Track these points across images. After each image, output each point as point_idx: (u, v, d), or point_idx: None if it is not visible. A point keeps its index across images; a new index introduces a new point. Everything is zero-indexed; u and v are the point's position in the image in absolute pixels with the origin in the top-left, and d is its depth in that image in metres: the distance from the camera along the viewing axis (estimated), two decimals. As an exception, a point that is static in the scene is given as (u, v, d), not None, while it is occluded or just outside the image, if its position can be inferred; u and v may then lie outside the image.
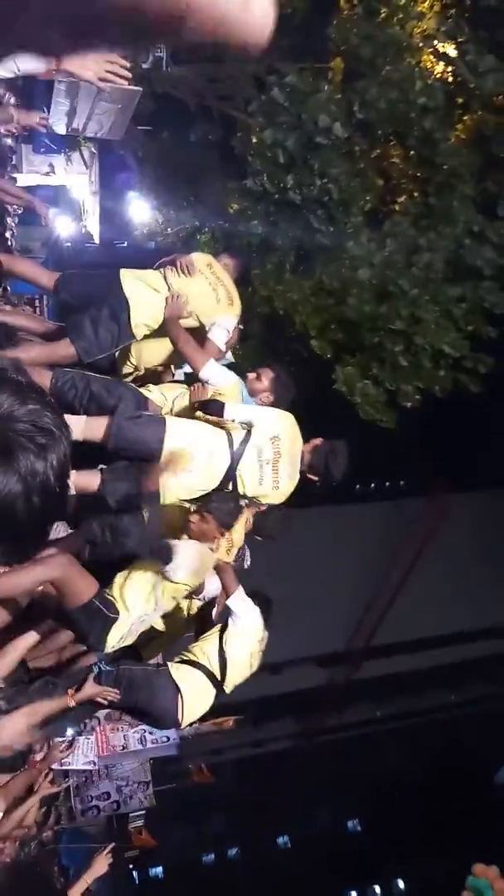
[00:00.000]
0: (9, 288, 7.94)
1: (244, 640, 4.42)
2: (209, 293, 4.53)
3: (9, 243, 8.36)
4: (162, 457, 3.89)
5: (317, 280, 9.95)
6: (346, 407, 10.27)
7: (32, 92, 10.88)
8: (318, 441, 4.34)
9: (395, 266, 9.93)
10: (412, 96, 10.66)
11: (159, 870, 17.48)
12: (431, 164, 10.89)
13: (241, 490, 4.11)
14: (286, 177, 9.91)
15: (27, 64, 2.56)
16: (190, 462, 3.96)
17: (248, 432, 4.08)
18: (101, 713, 9.92)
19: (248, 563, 5.21)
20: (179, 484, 3.97)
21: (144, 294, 4.32)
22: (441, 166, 10.76)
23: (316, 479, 4.33)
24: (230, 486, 4.07)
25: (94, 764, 9.14)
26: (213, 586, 4.43)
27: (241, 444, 4.05)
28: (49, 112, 10.40)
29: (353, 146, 10.68)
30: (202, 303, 4.49)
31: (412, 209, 10.76)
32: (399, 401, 9.99)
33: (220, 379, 4.35)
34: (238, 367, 4.93)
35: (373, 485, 19.52)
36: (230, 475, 4.03)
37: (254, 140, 10.35)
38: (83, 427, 3.83)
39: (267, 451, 4.08)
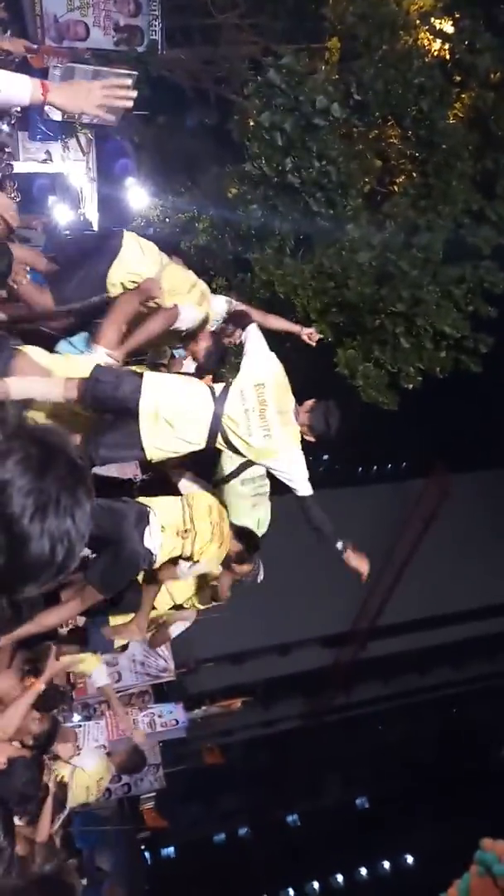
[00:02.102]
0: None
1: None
2: (188, 282, 4.62)
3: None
4: (141, 409, 3.80)
5: (317, 263, 9.92)
6: (347, 390, 10.28)
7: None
8: (311, 401, 4.31)
9: (394, 247, 9.89)
10: (409, 76, 10.57)
11: (171, 850, 17.71)
12: (429, 143, 10.82)
13: (234, 445, 4.00)
14: (284, 160, 9.84)
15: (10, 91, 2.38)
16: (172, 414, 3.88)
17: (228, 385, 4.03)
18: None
19: (262, 577, 5.21)
20: (165, 439, 3.89)
21: (135, 256, 4.36)
22: (439, 146, 10.69)
23: (313, 439, 4.31)
24: (219, 441, 3.98)
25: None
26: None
27: (222, 392, 3.98)
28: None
29: (351, 127, 10.61)
30: (178, 286, 4.54)
31: (411, 190, 10.70)
32: (401, 382, 10.00)
33: (189, 315, 4.46)
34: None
35: (375, 467, 19.57)
36: (216, 426, 3.91)
37: (251, 123, 10.28)
38: (61, 386, 3.75)
39: (251, 398, 3.99)
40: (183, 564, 4.18)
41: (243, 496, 4.77)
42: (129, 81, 2.62)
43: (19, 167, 9.85)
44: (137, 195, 10.51)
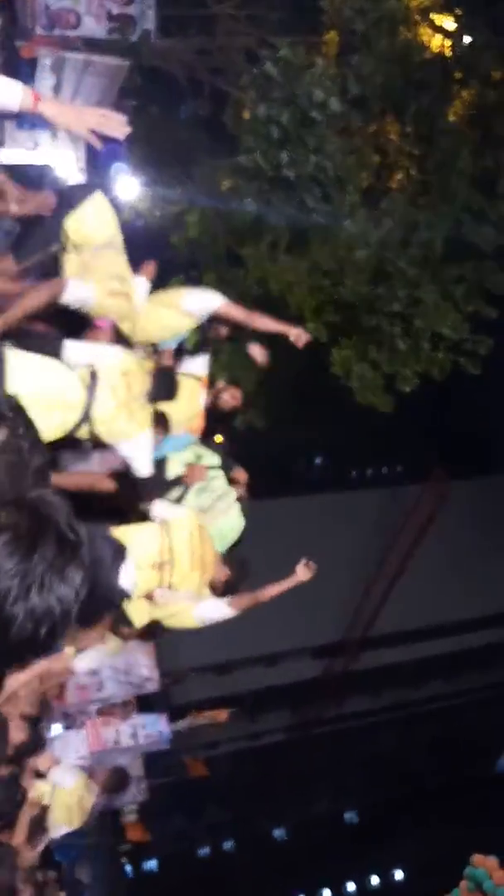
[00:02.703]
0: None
1: None
2: (115, 274, 4.46)
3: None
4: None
5: (312, 260, 9.67)
6: (341, 391, 10.03)
7: (17, 67, 10.55)
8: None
9: (392, 246, 9.68)
10: (409, 71, 10.39)
11: (153, 863, 17.37)
12: (429, 140, 10.62)
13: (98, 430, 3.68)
14: (280, 154, 9.59)
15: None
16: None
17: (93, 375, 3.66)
18: (92, 708, 9.72)
19: None
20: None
21: (93, 215, 4.39)
22: (439, 143, 10.49)
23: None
24: (84, 429, 3.65)
25: (86, 759, 8.95)
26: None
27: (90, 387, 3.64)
28: (34, 87, 10.07)
29: (349, 122, 10.36)
30: (104, 268, 4.39)
31: (410, 187, 10.50)
32: (397, 385, 9.74)
33: (76, 292, 4.24)
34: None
35: (370, 471, 19.30)
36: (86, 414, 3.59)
37: (246, 116, 10.03)
38: None
39: (120, 390, 3.70)
40: (158, 592, 4.01)
41: (202, 509, 4.53)
42: (124, 118, 2.47)
43: (6, 156, 9.54)
44: (127, 186, 10.22)
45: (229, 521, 4.76)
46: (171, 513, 4.22)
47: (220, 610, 4.52)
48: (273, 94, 9.83)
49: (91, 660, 5.63)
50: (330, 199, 9.77)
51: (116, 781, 6.54)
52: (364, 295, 9.55)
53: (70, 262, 4.38)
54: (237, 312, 4.89)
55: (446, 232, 9.91)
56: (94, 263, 4.36)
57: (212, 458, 4.62)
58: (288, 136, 9.73)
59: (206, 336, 5.11)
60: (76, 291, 4.27)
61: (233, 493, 4.71)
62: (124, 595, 3.85)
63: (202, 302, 4.82)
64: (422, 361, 9.80)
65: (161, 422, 4.13)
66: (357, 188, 10.15)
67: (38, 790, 5.56)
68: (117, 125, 2.30)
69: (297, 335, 5.02)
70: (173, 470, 4.44)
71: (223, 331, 5.07)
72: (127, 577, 3.81)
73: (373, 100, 10.34)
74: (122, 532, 3.98)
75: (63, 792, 5.81)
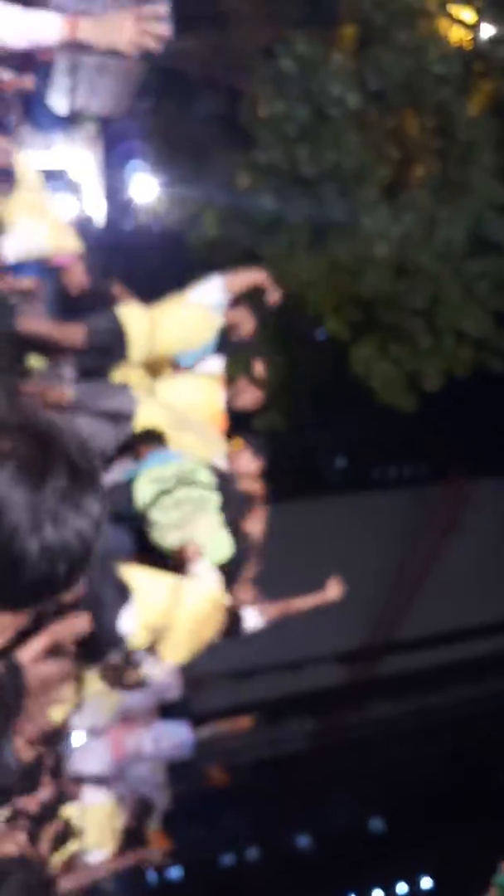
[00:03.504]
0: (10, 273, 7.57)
1: None
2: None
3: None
4: None
5: (331, 258, 9.54)
6: (363, 390, 9.88)
7: (33, 70, 10.54)
8: None
9: (412, 242, 9.55)
10: (428, 64, 10.23)
11: (177, 871, 17.27)
12: (449, 134, 10.45)
13: None
14: (297, 150, 9.51)
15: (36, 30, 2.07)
16: None
17: None
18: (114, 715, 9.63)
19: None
20: None
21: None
22: (459, 136, 10.32)
23: None
24: None
25: (108, 768, 8.85)
26: None
27: None
28: (50, 88, 10.05)
29: (367, 117, 10.23)
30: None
31: (430, 182, 10.32)
32: (419, 383, 9.57)
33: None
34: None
35: (392, 471, 19.06)
36: None
37: (263, 113, 9.93)
38: None
39: None
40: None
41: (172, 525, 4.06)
42: (163, 10, 2.27)
43: (23, 158, 9.49)
44: (144, 187, 10.18)
45: (211, 542, 4.22)
46: (206, 576, 3.75)
47: (250, 621, 4.38)
48: (290, 90, 9.74)
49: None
50: (348, 196, 9.66)
51: (142, 810, 6.43)
52: (385, 292, 9.42)
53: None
54: (241, 278, 4.88)
55: (468, 227, 9.75)
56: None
57: (202, 474, 4.05)
58: (305, 132, 9.64)
59: (227, 339, 5.01)
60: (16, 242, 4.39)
61: (210, 509, 4.09)
62: (123, 641, 3.47)
63: (208, 285, 4.72)
64: (445, 359, 9.64)
65: (149, 438, 4.05)
66: (376, 184, 10.01)
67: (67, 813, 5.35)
68: (156, 28, 2.09)
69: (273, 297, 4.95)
70: (143, 490, 3.89)
71: (246, 328, 4.96)
72: (128, 622, 3.42)
73: (391, 94, 10.21)
74: (130, 574, 3.57)
75: (95, 809, 5.70)
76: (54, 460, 0.90)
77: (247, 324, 4.91)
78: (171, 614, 3.58)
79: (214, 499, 3.99)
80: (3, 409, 0.95)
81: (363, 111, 10.01)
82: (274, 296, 4.89)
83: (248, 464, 4.61)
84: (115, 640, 3.42)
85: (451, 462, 14.87)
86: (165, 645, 3.60)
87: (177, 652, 3.70)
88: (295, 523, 14.54)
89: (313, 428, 13.22)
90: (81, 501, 0.91)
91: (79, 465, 0.92)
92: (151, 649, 3.66)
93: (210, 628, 3.83)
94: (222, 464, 4.52)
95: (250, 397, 4.94)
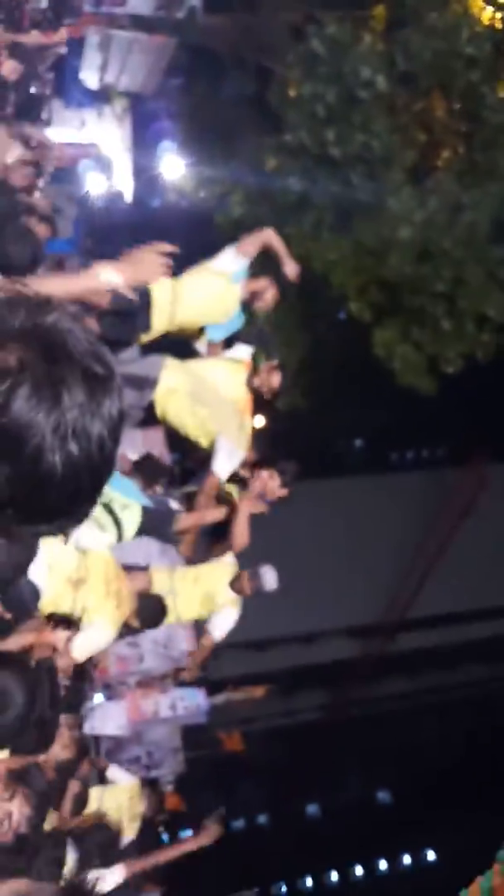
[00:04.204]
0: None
1: None
2: None
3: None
4: None
5: (356, 239, 9.61)
6: (384, 372, 9.98)
7: (66, 46, 10.61)
8: None
9: (437, 225, 9.56)
10: (458, 46, 10.17)
11: (189, 833, 17.77)
12: (477, 117, 10.42)
13: None
14: (325, 132, 9.55)
15: None
16: None
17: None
18: (132, 679, 9.94)
19: (272, 584, 5.22)
20: None
21: None
22: (487, 120, 10.29)
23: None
24: None
25: (125, 729, 9.16)
26: None
27: None
28: (81, 65, 10.15)
29: (396, 99, 10.23)
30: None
31: (456, 165, 10.33)
32: (440, 366, 9.65)
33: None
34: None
35: (410, 454, 19.15)
36: None
37: (292, 94, 9.96)
38: None
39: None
40: (60, 634, 3.56)
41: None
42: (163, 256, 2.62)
43: (53, 134, 9.63)
44: (172, 166, 10.26)
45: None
46: (91, 542, 3.74)
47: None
48: (319, 71, 9.75)
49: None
50: (375, 178, 9.69)
51: (156, 801, 6.64)
52: (408, 275, 9.47)
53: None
54: (253, 240, 4.83)
55: (493, 212, 9.74)
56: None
57: (130, 514, 3.94)
58: (333, 114, 9.66)
59: (253, 319, 5.10)
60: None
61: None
62: (34, 592, 3.33)
63: (225, 255, 4.76)
64: (466, 343, 9.70)
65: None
66: (403, 167, 10.03)
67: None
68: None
69: (293, 271, 4.93)
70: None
71: (268, 298, 4.95)
72: (38, 571, 3.28)
73: (420, 76, 10.18)
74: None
75: (116, 789, 5.76)
76: (67, 370, 0.85)
77: (268, 293, 4.91)
78: (84, 568, 3.57)
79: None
80: (6, 318, 0.88)
81: (392, 93, 10.01)
82: (290, 268, 4.91)
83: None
84: (29, 592, 3.29)
85: (469, 446, 14.94)
86: (90, 599, 3.55)
87: (101, 607, 3.61)
88: (314, 502, 14.73)
89: (334, 409, 13.31)
90: (100, 408, 0.87)
91: (92, 369, 0.87)
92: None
93: (123, 587, 3.82)
94: (240, 446, 4.65)
95: (272, 379, 4.94)
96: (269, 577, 5.16)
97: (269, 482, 4.56)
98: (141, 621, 4.28)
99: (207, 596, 5.16)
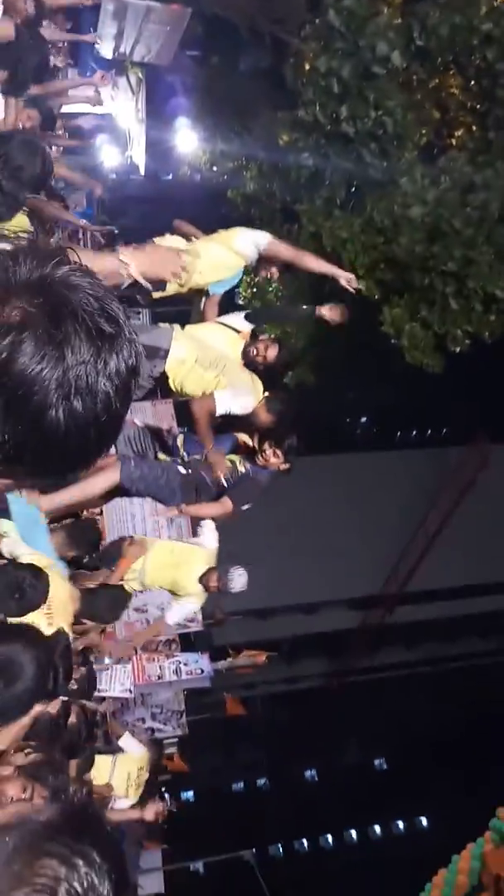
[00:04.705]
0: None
1: None
2: None
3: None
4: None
5: (367, 217, 9.63)
6: (391, 350, 10.05)
7: (80, 14, 10.55)
8: None
9: (448, 204, 9.56)
10: (476, 22, 10.10)
11: (190, 794, 18.20)
12: (492, 96, 10.37)
13: None
14: (340, 107, 9.52)
15: None
16: None
17: None
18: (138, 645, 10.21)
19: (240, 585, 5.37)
20: None
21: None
22: (502, 99, 10.24)
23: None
24: None
25: (130, 692, 9.42)
26: None
27: None
28: (96, 35, 10.07)
29: (411, 76, 10.18)
30: None
31: (469, 144, 10.31)
32: (448, 345, 9.73)
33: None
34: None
35: (414, 432, 19.29)
36: None
37: (307, 68, 9.92)
38: None
39: None
40: None
41: None
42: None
43: (68, 105, 9.63)
44: (186, 139, 10.24)
45: None
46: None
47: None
48: (335, 45, 9.70)
49: None
50: (388, 155, 9.69)
51: (157, 753, 6.84)
52: (418, 253, 9.49)
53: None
54: (286, 250, 4.84)
55: (504, 192, 9.73)
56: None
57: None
58: (348, 89, 9.63)
59: (257, 282, 5.07)
60: None
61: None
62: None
63: (252, 240, 4.80)
64: (473, 322, 9.76)
65: None
66: (415, 145, 10.04)
67: (97, 769, 5.45)
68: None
69: (349, 279, 4.88)
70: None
71: (273, 271, 5.05)
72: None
73: (436, 52, 10.12)
74: None
75: (128, 759, 5.91)
76: (72, 327, 0.84)
77: (274, 264, 4.94)
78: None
79: None
80: (11, 271, 0.86)
81: (407, 69, 9.97)
82: (345, 279, 4.88)
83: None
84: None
85: (473, 425, 15.04)
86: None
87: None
88: (319, 477, 14.92)
89: (341, 386, 13.38)
90: (106, 366, 0.86)
91: (99, 326, 0.85)
92: None
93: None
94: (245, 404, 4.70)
95: (265, 351, 4.86)
96: (239, 581, 5.30)
97: (272, 458, 4.60)
98: (76, 546, 4.53)
99: (175, 581, 5.36)
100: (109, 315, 0.86)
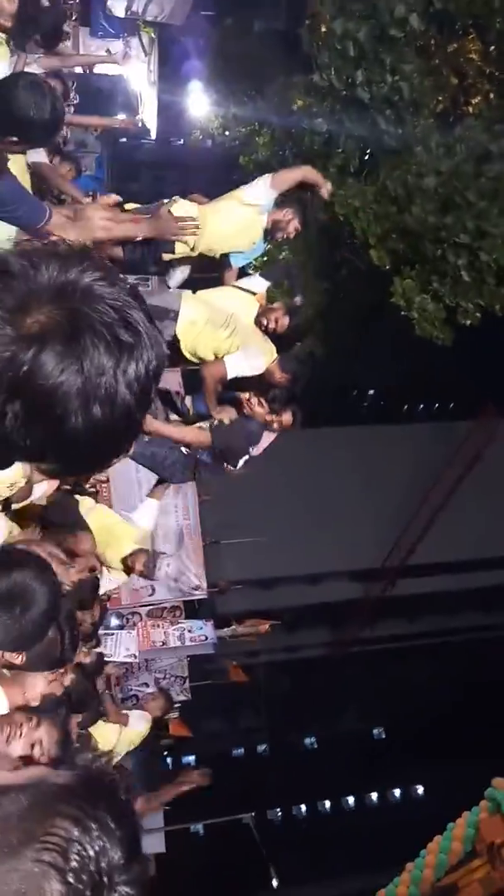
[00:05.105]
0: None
1: None
2: None
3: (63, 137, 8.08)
4: None
5: (380, 186, 9.49)
6: (401, 322, 9.97)
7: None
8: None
9: (463, 175, 9.41)
10: (497, -17, 9.85)
11: (191, 758, 18.48)
12: (511, 62, 10.16)
13: None
14: (355, 72, 9.33)
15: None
16: None
17: None
18: (143, 610, 10.32)
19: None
20: None
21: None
22: (521, 65, 10.04)
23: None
24: None
25: (135, 657, 9.54)
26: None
27: None
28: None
29: (429, 40, 9.96)
30: None
31: (486, 112, 10.10)
32: (458, 318, 9.64)
33: None
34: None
35: (422, 405, 19.23)
36: None
37: (323, 30, 9.71)
38: None
39: None
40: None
41: None
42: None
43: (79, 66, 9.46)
44: (198, 102, 10.07)
45: None
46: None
47: None
48: (353, 7, 9.49)
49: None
50: (403, 123, 9.52)
51: (166, 705, 6.96)
52: (431, 224, 9.36)
53: None
54: (289, 174, 4.94)
55: (521, 162, 9.56)
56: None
57: None
58: (364, 53, 9.43)
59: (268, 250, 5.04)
60: None
61: None
62: None
63: (259, 185, 4.78)
64: (484, 295, 9.65)
65: None
66: (432, 112, 9.85)
67: (104, 737, 5.64)
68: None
69: (327, 189, 5.04)
70: None
71: (290, 228, 4.93)
72: None
73: (456, 15, 9.88)
74: None
75: (133, 733, 6.15)
76: (91, 338, 0.86)
77: (290, 224, 4.91)
78: None
79: None
80: (32, 278, 0.88)
81: (425, 33, 9.75)
82: (325, 189, 4.98)
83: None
84: None
85: (482, 398, 14.97)
86: None
87: None
88: (325, 448, 14.92)
89: (349, 357, 13.30)
90: (125, 374, 0.88)
91: (118, 336, 0.88)
92: None
93: None
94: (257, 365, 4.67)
95: (273, 319, 4.84)
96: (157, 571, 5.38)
97: (257, 408, 4.58)
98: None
99: (102, 552, 5.05)
100: (129, 324, 0.89)
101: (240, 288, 4.90)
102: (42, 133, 3.03)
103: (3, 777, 0.86)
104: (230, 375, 4.55)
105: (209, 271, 5.12)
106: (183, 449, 4.72)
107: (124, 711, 6.29)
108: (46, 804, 0.78)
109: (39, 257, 0.90)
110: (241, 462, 4.68)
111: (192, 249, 4.71)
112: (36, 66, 5.12)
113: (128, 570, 5.06)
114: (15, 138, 2.92)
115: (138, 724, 6.31)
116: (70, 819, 0.76)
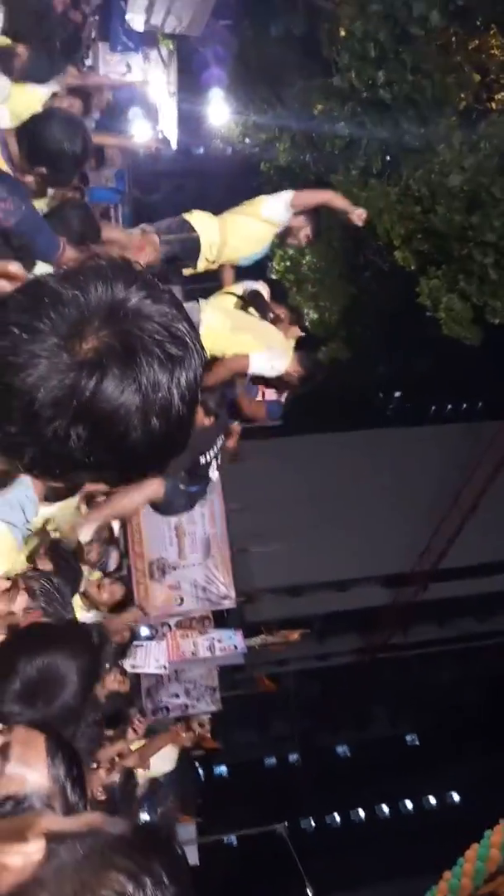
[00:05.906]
0: (86, 197, 7.74)
1: None
2: None
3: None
4: None
5: (403, 186, 9.39)
6: (428, 322, 9.84)
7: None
8: None
9: (488, 172, 9.27)
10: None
11: (223, 769, 18.44)
12: (535, 57, 10.02)
13: None
14: (376, 73, 9.24)
15: None
16: None
17: None
18: (172, 620, 10.27)
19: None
20: None
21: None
22: (544, 60, 9.89)
23: None
24: None
25: (165, 668, 9.50)
26: None
27: None
28: (127, 7, 9.90)
29: (450, 37, 9.84)
30: None
31: (510, 109, 9.96)
32: (486, 317, 9.49)
33: None
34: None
35: (449, 406, 19.02)
36: None
37: (342, 33, 9.64)
38: None
39: None
40: None
41: None
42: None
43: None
44: (218, 111, 10.04)
45: None
46: None
47: None
48: (371, 7, 9.41)
49: None
50: (426, 122, 9.41)
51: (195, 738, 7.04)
52: (456, 223, 9.22)
53: None
54: (310, 196, 4.93)
55: (547, 159, 9.40)
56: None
57: None
58: (385, 53, 9.34)
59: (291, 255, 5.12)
60: None
61: None
62: None
63: (279, 202, 4.81)
64: (513, 294, 9.48)
65: None
66: (454, 109, 9.73)
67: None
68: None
69: (360, 215, 4.93)
70: None
71: (303, 237, 5.02)
72: None
73: (477, 10, 9.76)
74: None
75: (156, 773, 6.34)
76: (145, 358, 0.90)
77: (302, 232, 4.96)
78: None
79: None
80: (84, 303, 0.91)
81: (446, 30, 9.64)
82: (356, 215, 4.91)
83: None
84: None
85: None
86: None
87: None
88: (353, 452, 14.79)
89: (375, 359, 13.19)
90: (178, 386, 0.92)
91: (168, 352, 0.92)
92: None
93: None
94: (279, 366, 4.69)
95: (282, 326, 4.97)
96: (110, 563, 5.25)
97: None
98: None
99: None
100: (176, 337, 0.93)
101: (231, 294, 4.92)
102: (71, 167, 3.19)
103: (60, 823, 0.87)
104: (251, 370, 4.60)
105: (208, 281, 5.14)
106: (181, 485, 4.68)
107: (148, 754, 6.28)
108: (103, 855, 0.78)
109: (86, 278, 0.93)
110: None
111: (213, 263, 4.78)
112: (55, 83, 5.13)
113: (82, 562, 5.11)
114: (44, 170, 3.07)
115: (164, 766, 6.38)
116: (125, 873, 0.76)
